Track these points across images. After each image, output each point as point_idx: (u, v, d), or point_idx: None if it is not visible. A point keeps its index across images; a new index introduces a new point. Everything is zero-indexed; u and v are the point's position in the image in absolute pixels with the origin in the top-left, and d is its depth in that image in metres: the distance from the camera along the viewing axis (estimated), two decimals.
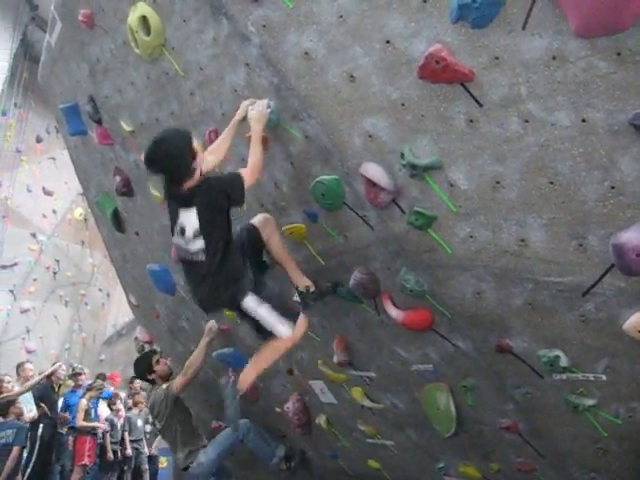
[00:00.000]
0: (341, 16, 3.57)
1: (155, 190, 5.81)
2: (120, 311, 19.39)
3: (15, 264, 16.32)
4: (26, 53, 15.64)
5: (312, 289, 4.51)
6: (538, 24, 3.04)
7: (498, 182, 3.39)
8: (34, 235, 17.10)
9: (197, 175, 3.90)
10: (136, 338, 9.43)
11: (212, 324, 6.14)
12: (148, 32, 4.72)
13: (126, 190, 6.30)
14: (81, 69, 6.02)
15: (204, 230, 3.90)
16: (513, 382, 4.04)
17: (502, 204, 3.42)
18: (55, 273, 17.74)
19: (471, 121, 3.36)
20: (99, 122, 6.14)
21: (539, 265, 3.45)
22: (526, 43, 3.10)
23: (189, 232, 3.95)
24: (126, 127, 5.69)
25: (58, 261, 17.85)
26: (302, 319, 4.40)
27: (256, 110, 4.02)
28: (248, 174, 3.96)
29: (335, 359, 5.07)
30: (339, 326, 4.94)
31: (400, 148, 3.60)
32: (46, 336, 17.79)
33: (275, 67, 3.93)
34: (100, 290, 19.70)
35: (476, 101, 3.30)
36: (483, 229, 3.54)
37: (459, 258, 3.70)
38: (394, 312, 4.25)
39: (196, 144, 3.91)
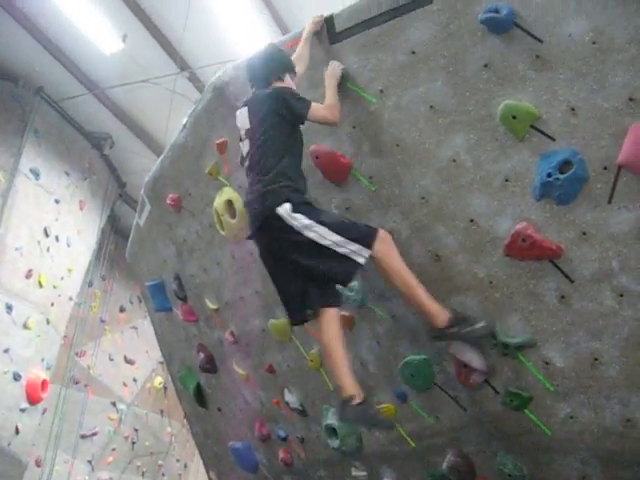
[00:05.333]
0: (423, 197, 3.64)
1: (239, 367, 5.81)
2: None
3: (95, 434, 16.28)
4: (112, 227, 16.46)
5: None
6: (624, 197, 3.04)
7: (596, 359, 3.25)
8: (114, 404, 17.16)
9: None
10: None
11: None
12: (233, 215, 4.92)
13: (209, 367, 6.31)
14: (168, 249, 6.26)
15: (253, 128, 3.71)
16: None
17: (603, 382, 3.26)
18: (134, 443, 17.59)
19: (563, 297, 3.29)
20: (184, 300, 6.28)
21: None
22: (613, 217, 3.08)
23: (242, 132, 3.81)
24: (211, 305, 5.79)
25: (137, 430, 17.74)
26: (382, 232, 3.54)
27: (330, 68, 3.85)
28: (324, 108, 3.71)
29: None
30: None
31: None
32: None
33: None
34: (177, 460, 19.33)
35: (567, 277, 3.25)
36: (584, 409, 3.36)
37: (560, 440, 3.49)
38: None
39: (289, 79, 3.90)
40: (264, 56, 4.00)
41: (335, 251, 3.39)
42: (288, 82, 3.89)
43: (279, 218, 3.43)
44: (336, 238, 3.40)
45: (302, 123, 3.77)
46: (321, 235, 3.39)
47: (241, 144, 3.87)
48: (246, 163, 3.75)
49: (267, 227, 3.52)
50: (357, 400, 3.41)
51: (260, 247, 3.75)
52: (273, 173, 3.54)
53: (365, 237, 3.45)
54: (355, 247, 3.39)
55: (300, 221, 3.41)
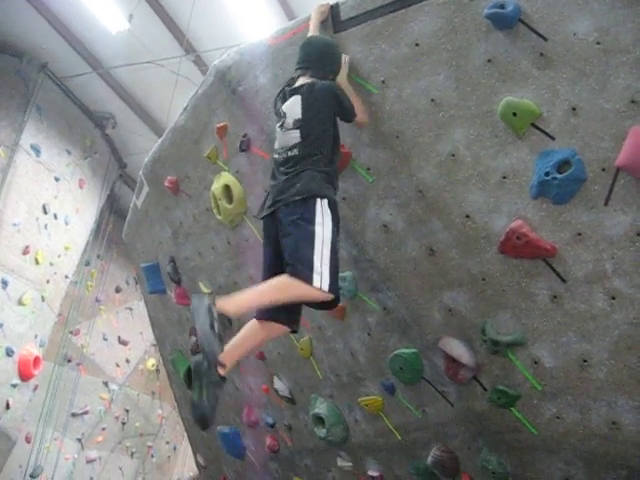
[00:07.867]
0: (420, 190, 3.63)
1: None
2: (185, 465, 19.00)
3: (85, 412, 16.29)
4: (111, 207, 16.41)
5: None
6: (621, 200, 3.02)
7: (585, 361, 3.25)
8: (106, 384, 17.16)
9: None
10: None
11: None
12: (230, 200, 4.90)
13: None
14: (164, 231, 6.24)
15: (306, 120, 3.52)
16: None
17: (590, 384, 3.26)
18: (124, 423, 17.61)
19: (555, 297, 3.28)
20: (178, 282, 6.28)
21: (632, 450, 3.23)
22: (609, 219, 3.06)
23: (289, 120, 3.58)
24: (204, 289, 5.79)
25: (128, 411, 17.75)
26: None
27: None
28: (360, 111, 3.68)
29: None
30: None
31: (481, 323, 3.53)
32: None
33: (354, 239, 3.98)
34: (167, 443, 19.33)
35: (559, 277, 3.23)
36: (570, 410, 3.36)
37: (545, 440, 3.50)
38: None
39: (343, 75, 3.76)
40: (332, 48, 3.76)
41: (313, 257, 3.20)
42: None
43: (307, 203, 3.31)
44: (326, 253, 3.24)
45: (349, 122, 3.70)
46: (323, 239, 3.25)
47: (281, 131, 3.63)
48: (291, 153, 3.50)
49: (286, 207, 3.37)
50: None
51: (267, 228, 3.58)
52: (324, 169, 3.43)
53: (333, 283, 3.25)
54: (326, 274, 3.20)
55: (325, 218, 3.29)
